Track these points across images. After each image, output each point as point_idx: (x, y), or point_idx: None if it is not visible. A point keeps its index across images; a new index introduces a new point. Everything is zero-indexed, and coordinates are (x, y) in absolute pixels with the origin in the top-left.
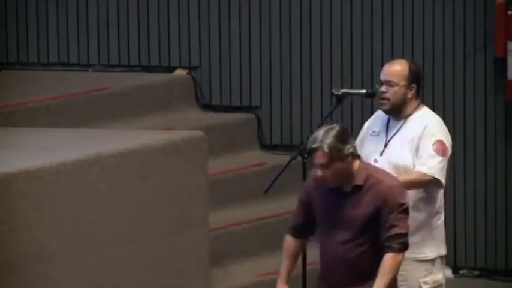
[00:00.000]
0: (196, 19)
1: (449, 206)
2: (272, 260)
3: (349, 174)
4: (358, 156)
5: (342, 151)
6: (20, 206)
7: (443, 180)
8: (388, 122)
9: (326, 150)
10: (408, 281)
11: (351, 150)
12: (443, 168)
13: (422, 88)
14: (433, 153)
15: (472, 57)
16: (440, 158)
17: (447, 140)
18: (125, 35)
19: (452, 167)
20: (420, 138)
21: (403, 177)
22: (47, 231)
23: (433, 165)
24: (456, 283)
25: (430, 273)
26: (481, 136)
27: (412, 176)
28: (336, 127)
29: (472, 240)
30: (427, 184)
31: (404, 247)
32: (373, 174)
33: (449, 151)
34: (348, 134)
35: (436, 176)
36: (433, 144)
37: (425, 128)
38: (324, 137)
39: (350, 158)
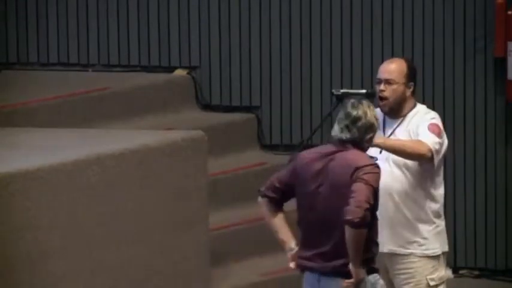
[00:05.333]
0: (196, 19)
1: (450, 205)
2: (272, 260)
3: None
4: None
5: None
6: (20, 206)
7: (436, 158)
8: (384, 121)
9: None
10: (415, 278)
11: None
12: (440, 149)
13: (420, 86)
14: (428, 132)
15: (472, 57)
16: (436, 137)
17: (441, 126)
18: (125, 35)
19: (452, 167)
20: (418, 126)
21: (396, 141)
22: (47, 231)
23: (430, 141)
24: (456, 283)
25: (436, 269)
26: (481, 136)
27: (409, 142)
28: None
29: (472, 240)
30: (421, 155)
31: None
32: None
33: (444, 137)
34: None
35: (432, 147)
36: (429, 125)
37: (421, 119)
38: None
39: None
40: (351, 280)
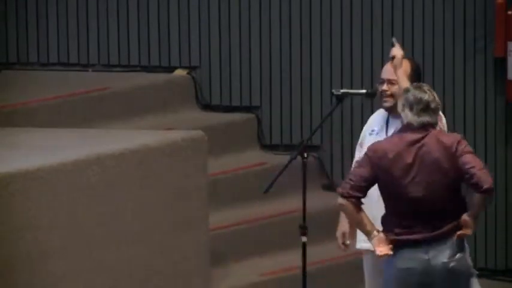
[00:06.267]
0: (196, 19)
1: None
2: (272, 260)
3: None
4: None
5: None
6: (20, 206)
7: None
8: (388, 120)
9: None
10: None
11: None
12: None
13: None
14: None
15: (472, 58)
16: None
17: (443, 126)
18: (125, 35)
19: None
20: None
21: None
22: (47, 231)
23: None
24: None
25: None
26: (481, 136)
27: None
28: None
29: (472, 240)
30: None
31: None
32: None
33: None
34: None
35: None
36: None
37: None
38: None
39: None
40: (468, 231)
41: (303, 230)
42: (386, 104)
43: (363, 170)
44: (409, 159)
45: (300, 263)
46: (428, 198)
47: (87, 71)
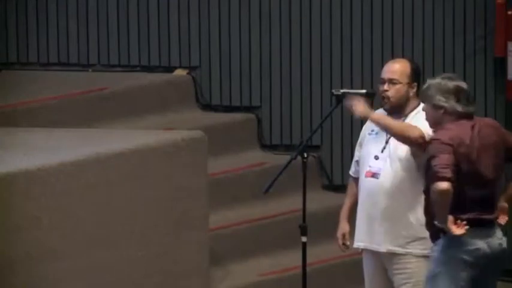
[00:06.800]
0: (196, 19)
1: None
2: (272, 260)
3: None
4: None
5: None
6: (20, 206)
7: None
8: None
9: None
10: (413, 278)
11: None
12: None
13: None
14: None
15: (472, 57)
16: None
17: None
18: (125, 35)
19: None
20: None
21: (387, 120)
22: (47, 231)
23: (425, 128)
24: None
25: None
26: None
27: (402, 124)
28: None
29: None
30: (411, 139)
31: None
32: None
33: None
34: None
35: (426, 134)
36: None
37: (422, 117)
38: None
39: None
40: (507, 217)
41: (303, 230)
42: (386, 105)
43: (450, 157)
44: (477, 143)
45: (300, 263)
46: (494, 180)
47: (87, 71)
